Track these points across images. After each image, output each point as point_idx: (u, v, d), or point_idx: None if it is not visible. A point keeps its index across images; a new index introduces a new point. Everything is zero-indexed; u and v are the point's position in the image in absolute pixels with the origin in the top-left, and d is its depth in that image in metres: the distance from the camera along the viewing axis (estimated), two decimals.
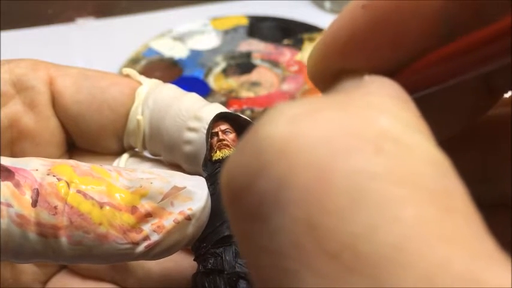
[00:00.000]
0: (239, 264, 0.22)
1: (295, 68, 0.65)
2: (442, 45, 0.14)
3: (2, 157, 0.20)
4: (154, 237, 0.21)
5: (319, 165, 0.11)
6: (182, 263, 0.25)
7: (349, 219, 0.10)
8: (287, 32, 0.70)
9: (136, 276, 0.27)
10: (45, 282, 0.28)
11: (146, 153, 0.28)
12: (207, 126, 0.25)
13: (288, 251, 0.11)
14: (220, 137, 0.25)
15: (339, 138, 0.11)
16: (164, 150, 0.27)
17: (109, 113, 0.27)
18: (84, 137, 0.28)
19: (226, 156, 0.24)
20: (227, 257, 0.22)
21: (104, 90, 0.27)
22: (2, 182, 0.19)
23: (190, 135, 0.25)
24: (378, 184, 0.10)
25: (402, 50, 0.15)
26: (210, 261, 0.22)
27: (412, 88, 0.13)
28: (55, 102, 0.27)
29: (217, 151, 0.24)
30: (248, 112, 0.58)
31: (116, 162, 0.28)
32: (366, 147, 0.11)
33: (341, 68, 0.15)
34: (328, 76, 0.15)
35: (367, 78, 0.14)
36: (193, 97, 0.27)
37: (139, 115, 0.26)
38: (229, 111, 0.25)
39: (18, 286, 0.27)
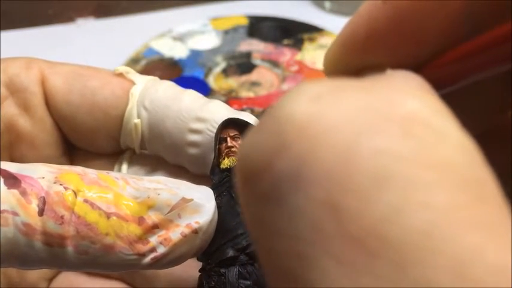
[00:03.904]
0: (241, 286, 0.22)
1: (295, 68, 0.65)
2: (465, 41, 0.14)
3: (8, 163, 0.20)
4: (161, 250, 0.21)
5: (342, 145, 0.10)
6: (190, 263, 0.25)
7: (374, 202, 0.10)
8: (287, 32, 0.70)
9: (144, 275, 0.27)
10: (51, 279, 0.28)
11: (146, 152, 0.28)
12: (211, 128, 0.25)
13: (307, 234, 0.10)
14: (229, 144, 0.24)
15: (363, 118, 0.11)
16: (167, 152, 0.27)
17: (101, 115, 0.26)
18: (79, 138, 0.28)
19: (235, 165, 0.24)
20: (230, 279, 0.22)
21: (95, 92, 0.26)
22: (8, 190, 0.19)
23: (193, 137, 0.25)
24: (405, 166, 0.10)
25: (424, 46, 0.14)
26: (214, 279, 0.22)
27: (435, 84, 0.13)
28: (48, 103, 0.27)
29: (226, 158, 0.24)
30: (248, 112, 0.58)
31: (116, 168, 0.28)
32: (393, 129, 0.10)
33: (361, 64, 0.15)
34: (347, 73, 0.15)
35: (390, 71, 0.13)
36: (192, 95, 0.26)
37: (135, 118, 0.26)
38: (237, 117, 0.25)
39: (24, 284, 0.27)
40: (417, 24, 0.14)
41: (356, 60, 0.15)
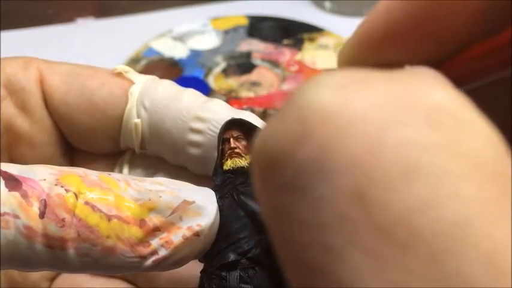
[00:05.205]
0: None
1: (295, 68, 0.65)
2: (485, 39, 0.13)
3: (9, 164, 0.20)
4: (162, 252, 0.21)
5: (369, 134, 0.10)
6: (192, 263, 0.25)
7: (403, 192, 0.10)
8: (287, 32, 0.70)
9: (146, 274, 0.27)
10: (53, 279, 0.28)
11: (146, 152, 0.28)
12: (212, 127, 0.25)
13: (332, 224, 0.10)
14: (232, 145, 0.24)
15: (390, 108, 0.10)
16: (168, 152, 0.26)
17: (99, 115, 0.26)
18: (78, 138, 0.27)
19: (238, 167, 0.23)
20: (231, 282, 0.22)
21: (93, 92, 0.26)
22: (9, 193, 0.19)
23: (194, 137, 0.25)
24: (435, 157, 0.10)
25: (443, 44, 0.14)
26: (215, 282, 0.22)
27: (454, 82, 0.13)
28: (46, 103, 0.26)
29: (228, 159, 0.24)
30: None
31: (117, 169, 0.28)
32: (421, 119, 0.10)
33: (378, 61, 0.14)
34: None
35: (409, 68, 0.13)
36: (191, 94, 0.26)
37: (135, 118, 0.26)
38: (241, 118, 0.24)
39: (26, 283, 0.27)
40: (437, 22, 0.14)
41: (373, 58, 0.15)
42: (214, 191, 0.23)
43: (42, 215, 0.19)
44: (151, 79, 0.27)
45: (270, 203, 0.11)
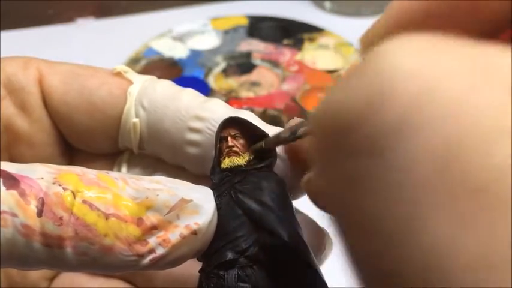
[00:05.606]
0: None
1: (295, 68, 0.65)
2: None
3: (7, 163, 0.20)
4: (160, 251, 0.20)
5: (454, 97, 0.10)
6: (191, 262, 0.25)
7: (493, 152, 0.09)
8: (287, 32, 0.71)
9: (145, 274, 0.27)
10: (52, 279, 0.28)
11: (144, 152, 0.28)
12: (210, 127, 0.25)
13: (415, 187, 0.10)
14: (230, 143, 0.24)
15: (474, 72, 0.10)
16: (166, 152, 0.26)
17: (98, 115, 0.26)
18: (77, 138, 0.27)
19: (235, 165, 0.23)
20: (229, 281, 0.21)
21: (92, 92, 0.26)
22: (7, 191, 0.19)
23: (193, 136, 0.25)
24: None
25: (484, 23, 0.14)
26: (213, 281, 0.22)
27: None
28: (45, 102, 0.26)
29: (226, 158, 0.24)
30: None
31: (115, 169, 0.28)
32: (505, 82, 0.10)
33: None
34: None
35: None
36: (190, 94, 0.26)
37: (133, 117, 0.26)
38: (238, 116, 0.24)
39: (25, 283, 0.27)
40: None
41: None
42: (212, 189, 0.23)
43: (40, 213, 0.19)
44: (150, 79, 0.27)
45: (336, 170, 0.11)
